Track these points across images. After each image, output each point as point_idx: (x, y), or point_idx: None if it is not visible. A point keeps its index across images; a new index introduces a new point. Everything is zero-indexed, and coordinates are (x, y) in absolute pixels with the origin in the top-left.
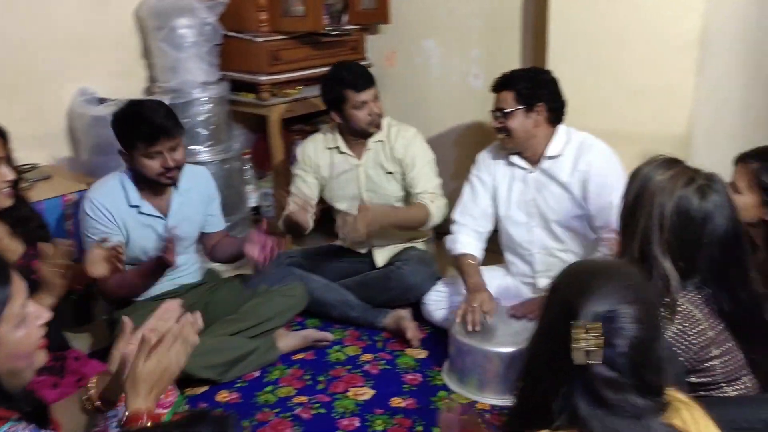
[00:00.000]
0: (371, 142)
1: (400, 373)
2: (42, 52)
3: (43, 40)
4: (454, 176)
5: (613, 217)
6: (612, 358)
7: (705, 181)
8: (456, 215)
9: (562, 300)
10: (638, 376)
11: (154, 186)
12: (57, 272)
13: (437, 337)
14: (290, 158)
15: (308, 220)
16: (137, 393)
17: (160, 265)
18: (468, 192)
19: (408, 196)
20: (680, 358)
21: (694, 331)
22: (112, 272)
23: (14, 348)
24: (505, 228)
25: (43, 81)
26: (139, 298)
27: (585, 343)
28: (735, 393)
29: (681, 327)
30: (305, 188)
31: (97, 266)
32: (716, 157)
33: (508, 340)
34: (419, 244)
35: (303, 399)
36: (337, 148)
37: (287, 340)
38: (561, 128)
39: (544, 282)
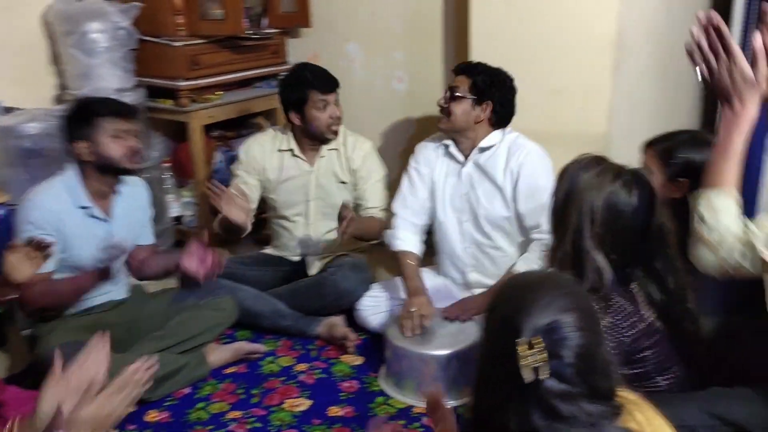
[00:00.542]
0: (326, 149)
1: (336, 382)
2: None
3: None
4: None
5: (544, 219)
6: (560, 370)
7: (631, 176)
8: (396, 208)
9: (502, 319)
10: (588, 383)
11: (104, 184)
12: None
13: (372, 343)
14: (212, 166)
15: (246, 221)
16: None
17: (101, 275)
18: (407, 184)
19: (356, 208)
20: (614, 351)
21: (626, 323)
22: (37, 278)
23: None
24: (438, 221)
25: None
26: (66, 312)
27: (531, 359)
28: (666, 383)
29: (613, 320)
30: (245, 190)
31: (20, 269)
32: (633, 154)
33: (443, 343)
34: (353, 252)
35: (237, 414)
36: (291, 151)
37: (218, 354)
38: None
39: (474, 277)
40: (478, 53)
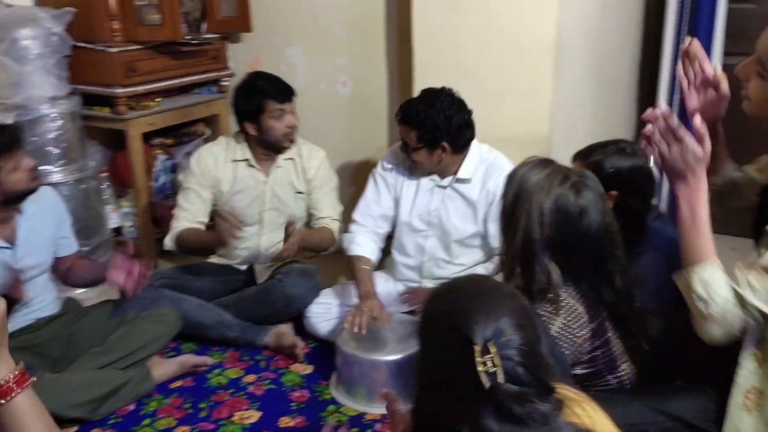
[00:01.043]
0: (282, 160)
1: (286, 392)
2: None
3: None
4: None
5: None
6: (512, 372)
7: (578, 179)
8: (357, 214)
9: (449, 330)
10: (536, 381)
11: (4, 211)
12: None
13: (323, 351)
14: (152, 174)
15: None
16: None
17: (7, 303)
18: (372, 191)
19: (309, 218)
20: (566, 352)
21: (577, 324)
22: None
23: None
24: (401, 232)
25: None
26: None
27: (489, 365)
28: (616, 381)
29: (565, 321)
30: (198, 203)
31: None
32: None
33: (394, 348)
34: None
35: (185, 429)
36: (246, 161)
37: (163, 368)
38: (473, 146)
39: (429, 285)
40: (422, 59)
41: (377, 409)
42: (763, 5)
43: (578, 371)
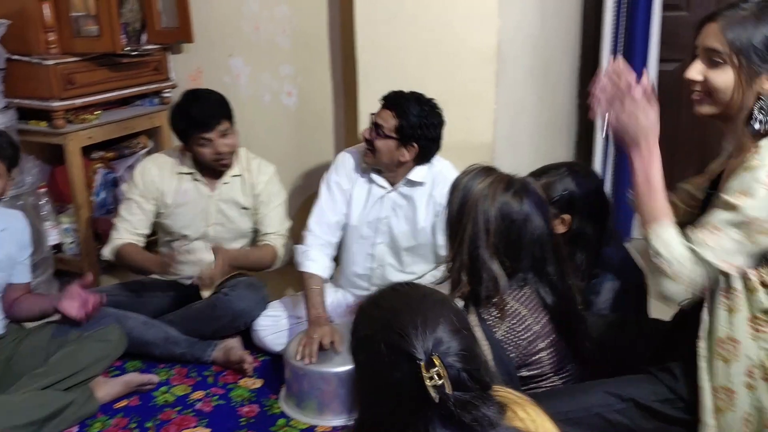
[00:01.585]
0: (230, 176)
1: (235, 407)
2: None
3: None
4: None
5: None
6: (455, 379)
7: (521, 186)
8: (311, 223)
9: (387, 349)
10: (478, 386)
11: None
12: None
13: (272, 364)
14: (93, 189)
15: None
16: None
17: None
18: (326, 197)
19: (256, 234)
20: (512, 355)
21: (521, 327)
22: None
23: None
24: (350, 238)
25: None
26: None
27: (435, 380)
28: (561, 382)
29: (509, 325)
30: (140, 214)
31: None
32: (517, 162)
33: (343, 359)
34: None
35: None
36: (191, 174)
37: (107, 388)
38: None
39: None
40: (365, 67)
41: (328, 422)
42: (695, 13)
43: (524, 373)
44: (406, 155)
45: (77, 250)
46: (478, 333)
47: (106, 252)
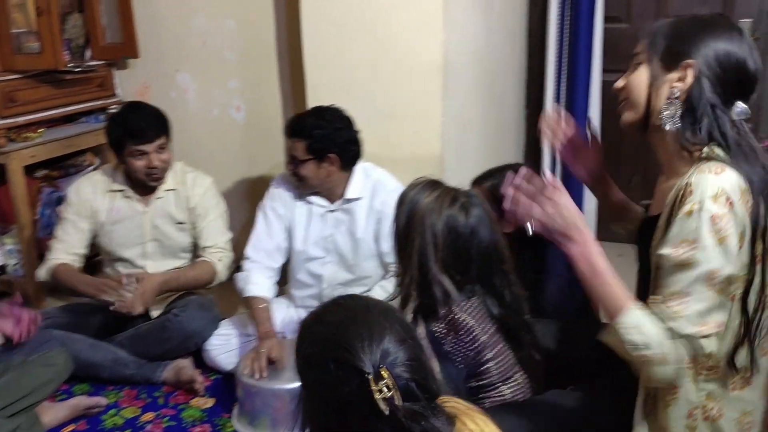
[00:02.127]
0: (163, 190)
1: (186, 428)
2: None
3: None
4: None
5: None
6: (404, 390)
7: (466, 199)
8: (249, 251)
9: (335, 362)
10: (427, 395)
11: None
12: None
13: (224, 383)
14: (37, 209)
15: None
16: None
17: None
18: (262, 225)
19: (196, 249)
20: (460, 366)
21: (468, 338)
22: None
23: None
24: (296, 262)
25: None
26: None
27: (384, 392)
28: (510, 391)
29: (457, 337)
30: (75, 234)
31: None
32: (465, 174)
33: (295, 375)
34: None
35: None
36: (122, 191)
37: (53, 413)
38: (358, 167)
39: None
40: (314, 80)
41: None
42: (635, 24)
43: (473, 383)
44: (330, 167)
45: (22, 272)
46: (426, 346)
47: (41, 273)
